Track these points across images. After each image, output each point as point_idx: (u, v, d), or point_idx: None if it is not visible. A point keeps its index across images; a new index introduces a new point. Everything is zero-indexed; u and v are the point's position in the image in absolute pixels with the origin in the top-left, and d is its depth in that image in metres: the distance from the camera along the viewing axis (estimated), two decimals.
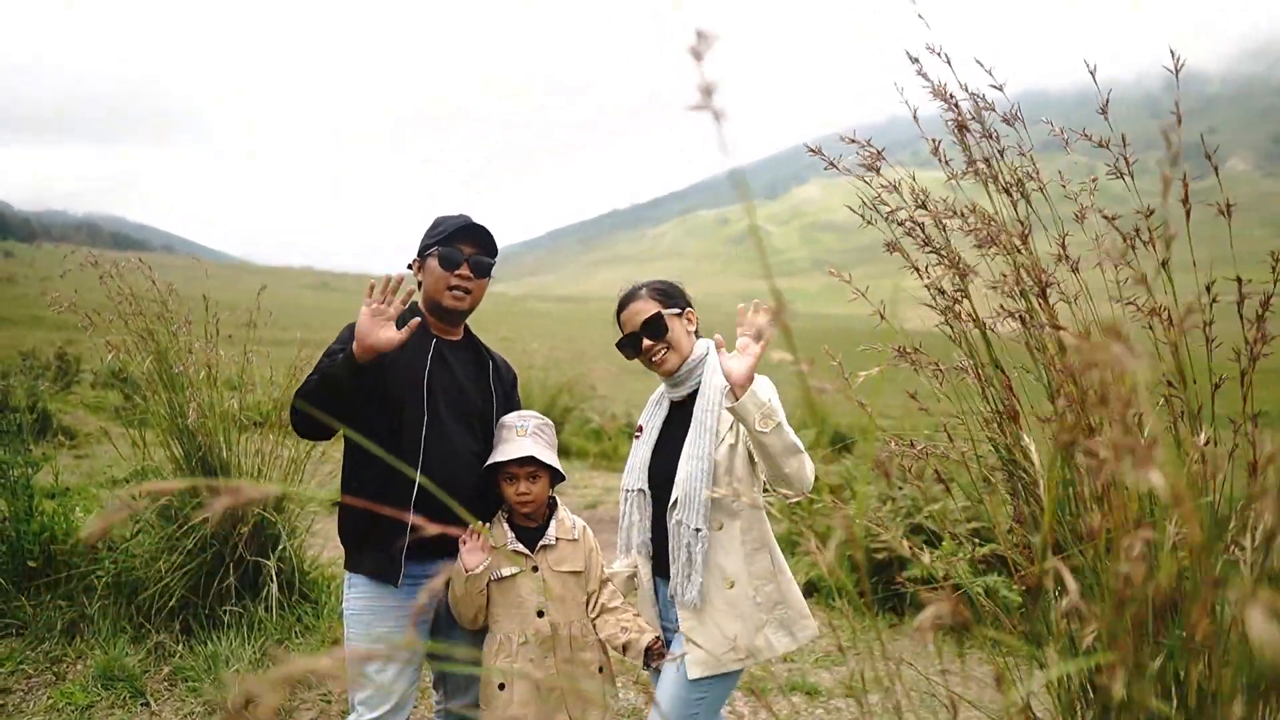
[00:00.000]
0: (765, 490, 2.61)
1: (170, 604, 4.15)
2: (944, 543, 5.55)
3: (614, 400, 14.86)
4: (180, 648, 4.04)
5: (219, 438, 4.39)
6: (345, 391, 2.46)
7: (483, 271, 2.75)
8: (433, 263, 2.69)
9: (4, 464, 4.62)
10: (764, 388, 2.41)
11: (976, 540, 5.33)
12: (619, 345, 2.77)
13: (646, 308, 2.69)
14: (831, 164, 1.96)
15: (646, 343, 2.68)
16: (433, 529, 0.91)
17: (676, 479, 2.56)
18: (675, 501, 2.55)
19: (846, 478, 7.38)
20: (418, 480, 2.55)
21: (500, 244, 2.80)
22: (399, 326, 2.46)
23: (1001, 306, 1.83)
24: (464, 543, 2.62)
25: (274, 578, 4.25)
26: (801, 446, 2.38)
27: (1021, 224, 1.80)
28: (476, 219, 2.74)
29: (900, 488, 5.97)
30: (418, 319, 2.50)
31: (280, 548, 4.38)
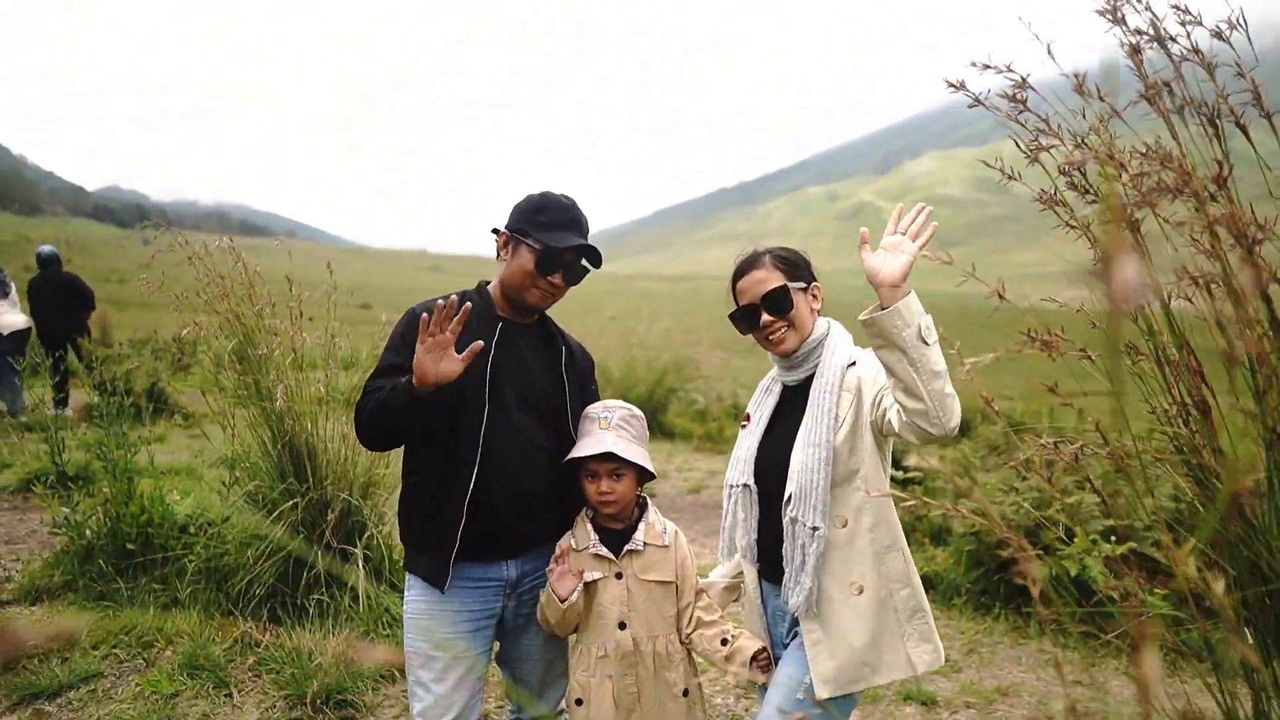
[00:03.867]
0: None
1: (259, 591, 4.08)
2: (1076, 539, 5.09)
3: (721, 381, 14.53)
4: (266, 637, 3.97)
5: (305, 421, 4.29)
6: (406, 420, 2.27)
7: (576, 280, 2.49)
8: (527, 256, 2.42)
9: (106, 446, 4.66)
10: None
11: (1113, 538, 4.86)
12: (733, 317, 2.41)
13: (770, 278, 2.33)
14: (977, 100, 1.59)
15: (765, 318, 2.32)
16: None
17: (790, 471, 2.22)
18: (790, 497, 2.21)
19: (964, 464, 6.90)
20: (474, 478, 2.32)
21: (610, 222, 2.55)
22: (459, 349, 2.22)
23: (1184, 269, 1.42)
24: (552, 570, 2.36)
25: (361, 566, 4.13)
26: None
27: (1219, 163, 1.38)
28: (582, 206, 2.48)
29: (1024, 477, 5.49)
30: (479, 343, 2.23)
31: (367, 535, 4.27)
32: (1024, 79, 1.59)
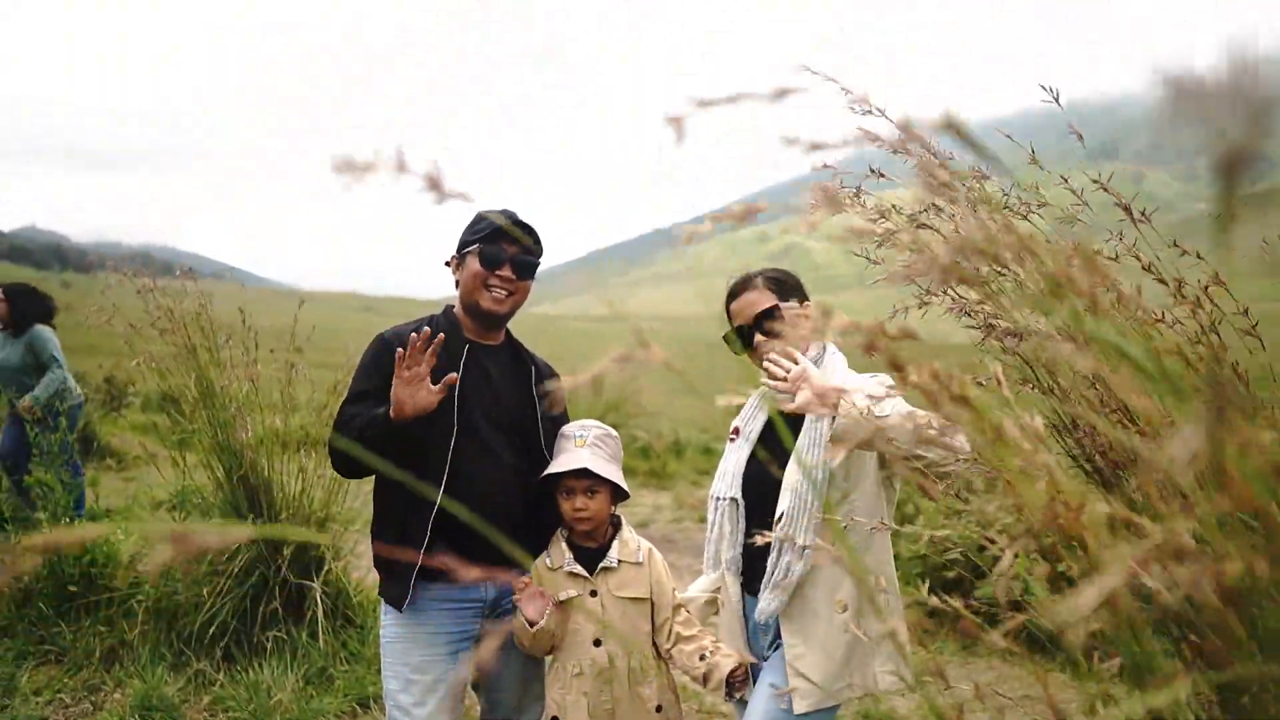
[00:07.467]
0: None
1: (212, 630, 3.99)
2: (1017, 559, 5.24)
3: (661, 418, 14.67)
4: (221, 675, 3.88)
5: (261, 456, 4.24)
6: (383, 450, 2.29)
7: (526, 272, 2.53)
8: (472, 260, 2.48)
9: (46, 485, 4.52)
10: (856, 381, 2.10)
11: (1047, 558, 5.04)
12: (727, 339, 2.48)
13: (761, 299, 2.38)
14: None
15: (759, 338, 2.38)
16: (449, 565, 0.73)
17: (784, 486, 2.25)
18: (781, 515, 2.23)
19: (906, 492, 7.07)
20: (439, 499, 2.33)
21: (542, 265, 2.59)
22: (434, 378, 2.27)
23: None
24: (518, 596, 2.38)
25: (319, 602, 4.07)
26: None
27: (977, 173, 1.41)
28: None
29: (967, 500, 5.63)
30: (454, 375, 2.28)
31: (325, 570, 4.21)
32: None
